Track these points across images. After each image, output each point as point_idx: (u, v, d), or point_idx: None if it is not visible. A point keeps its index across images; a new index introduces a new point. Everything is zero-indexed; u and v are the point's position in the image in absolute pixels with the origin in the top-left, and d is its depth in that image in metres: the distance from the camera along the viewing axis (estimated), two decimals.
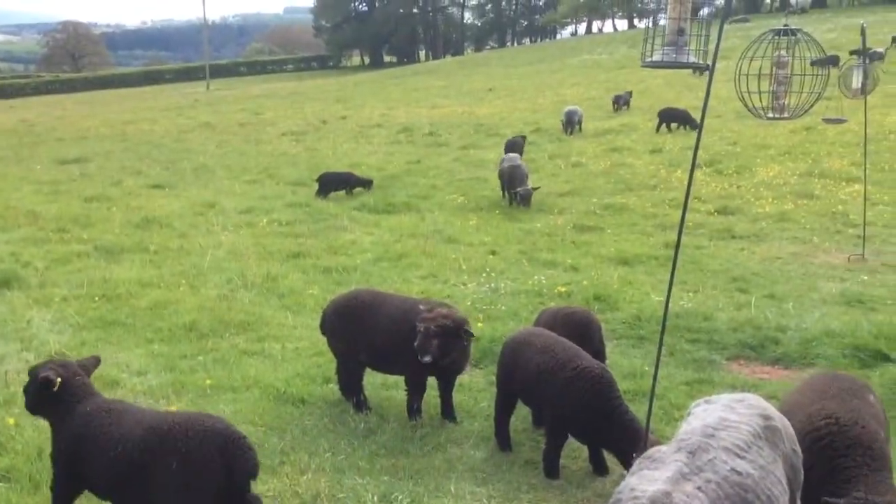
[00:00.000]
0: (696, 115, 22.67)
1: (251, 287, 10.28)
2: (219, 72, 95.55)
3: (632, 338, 8.50)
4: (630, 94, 30.16)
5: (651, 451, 3.68)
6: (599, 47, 61.75)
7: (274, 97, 50.98)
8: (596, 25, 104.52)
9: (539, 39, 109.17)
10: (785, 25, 4.58)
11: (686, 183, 4.69)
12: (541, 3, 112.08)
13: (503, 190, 16.10)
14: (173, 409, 6.68)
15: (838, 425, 4.26)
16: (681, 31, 4.34)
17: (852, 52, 32.08)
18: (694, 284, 10.39)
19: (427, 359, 5.96)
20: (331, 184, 17.16)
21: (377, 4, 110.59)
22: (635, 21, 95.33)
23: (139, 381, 7.40)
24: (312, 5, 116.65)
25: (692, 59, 4.42)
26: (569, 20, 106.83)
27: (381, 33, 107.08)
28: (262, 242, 12.83)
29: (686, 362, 7.75)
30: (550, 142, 23.95)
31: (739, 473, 3.46)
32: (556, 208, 15.34)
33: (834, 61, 29.04)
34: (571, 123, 24.87)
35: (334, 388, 6.98)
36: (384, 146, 25.30)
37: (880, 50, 35.62)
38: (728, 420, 3.73)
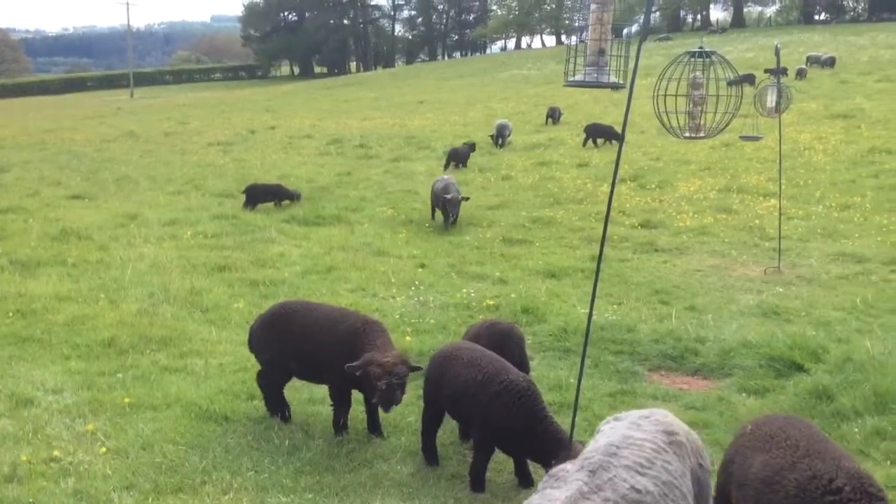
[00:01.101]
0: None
1: (174, 301, 10.03)
2: (143, 80, 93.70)
3: (558, 350, 8.61)
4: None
5: (556, 470, 3.73)
6: (528, 62, 62.71)
7: (201, 106, 50.07)
8: (525, 41, 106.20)
9: (469, 53, 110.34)
10: (700, 48, 4.75)
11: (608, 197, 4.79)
12: (471, 18, 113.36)
13: (434, 211, 15.42)
14: (89, 427, 6.50)
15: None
16: (601, 52, 4.45)
17: (766, 71, 34.36)
18: (618, 297, 10.60)
19: (393, 408, 5.98)
20: (258, 196, 16.90)
21: (307, 15, 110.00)
22: (563, 38, 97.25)
23: (55, 399, 7.14)
24: (240, 14, 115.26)
25: (613, 79, 4.54)
26: (498, 35, 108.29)
27: (312, 43, 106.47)
28: (185, 255, 12.53)
29: (610, 374, 7.89)
30: (481, 155, 24.09)
31: (639, 491, 3.52)
32: (485, 221, 15.44)
33: (750, 79, 30.77)
34: (502, 136, 25.17)
35: (259, 404, 6.87)
36: (314, 157, 25.08)
37: (804, 67, 37.89)
38: (632, 437, 3.81)
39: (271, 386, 6.71)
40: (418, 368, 6.11)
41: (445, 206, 14.65)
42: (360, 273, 11.63)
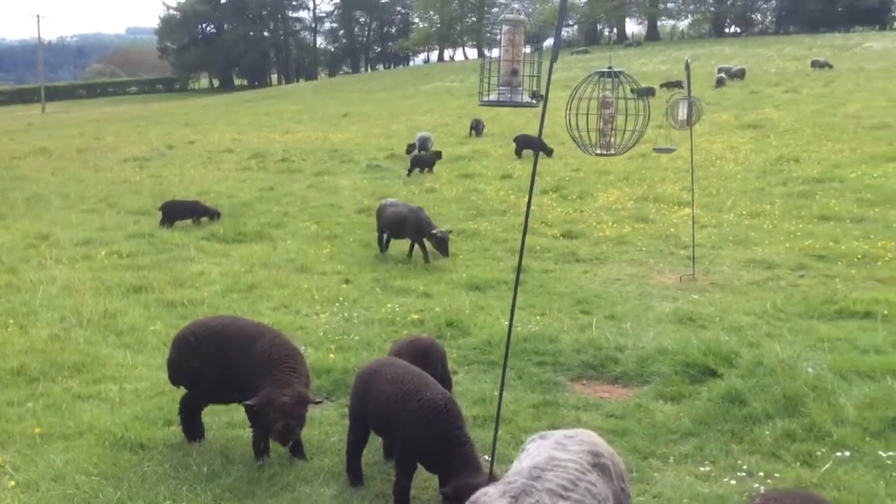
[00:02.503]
0: (549, 142, 23.62)
1: (87, 325, 9.69)
2: (55, 94, 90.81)
3: (483, 363, 8.64)
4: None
5: (478, 495, 3.73)
6: (451, 75, 63.27)
7: (116, 121, 48.73)
8: (447, 53, 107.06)
9: (393, 66, 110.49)
10: (609, 67, 4.87)
11: (533, 208, 4.86)
12: (393, 31, 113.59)
13: (382, 238, 14.00)
14: None
15: None
16: (514, 72, 4.52)
17: (662, 85, 37.09)
18: (541, 308, 10.72)
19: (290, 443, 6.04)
20: (176, 213, 16.51)
21: (226, 27, 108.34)
22: (485, 50, 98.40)
23: None
24: (157, 26, 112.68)
25: (526, 98, 4.62)
26: (421, 48, 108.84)
27: (231, 56, 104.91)
28: (100, 276, 12.14)
29: (533, 385, 7.96)
30: (405, 168, 24.18)
31: None
32: None
33: (651, 92, 32.95)
34: (425, 149, 25.30)
35: (176, 430, 6.68)
36: (235, 172, 24.69)
37: (723, 76, 40.32)
38: (557, 459, 3.82)
39: (190, 407, 6.56)
40: (319, 402, 6.16)
41: (437, 245, 13.29)
42: (283, 290, 11.47)
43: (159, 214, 16.55)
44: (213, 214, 16.89)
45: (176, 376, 6.64)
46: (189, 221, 16.63)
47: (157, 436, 6.70)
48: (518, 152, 24.63)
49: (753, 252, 13.32)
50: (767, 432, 6.53)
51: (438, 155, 23.57)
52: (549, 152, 23.74)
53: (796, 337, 8.98)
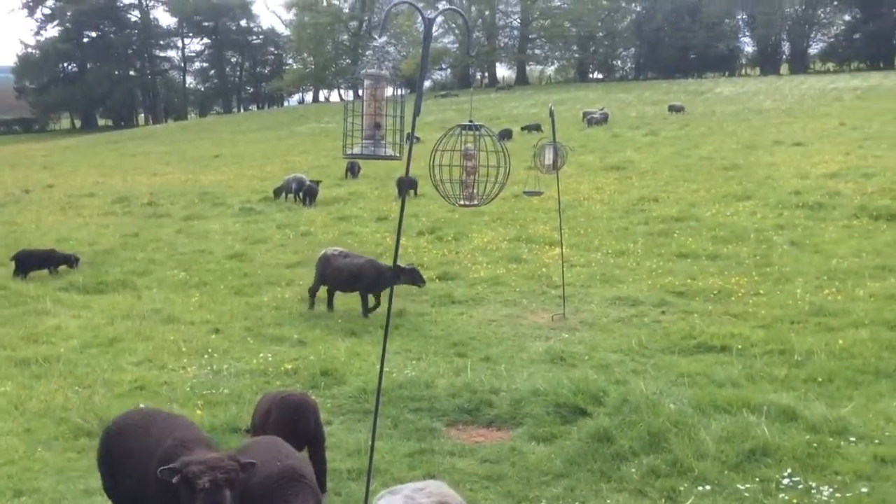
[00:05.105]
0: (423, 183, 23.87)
1: None
2: None
3: (358, 412, 8.53)
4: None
5: None
6: (327, 116, 63.06)
7: None
8: (322, 94, 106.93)
9: (267, 106, 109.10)
10: (470, 121, 5.00)
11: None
12: (266, 71, 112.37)
13: (329, 292, 12.99)
14: None
15: None
16: (377, 126, 4.56)
17: (523, 128, 39.59)
18: (417, 352, 10.71)
19: None
20: (30, 262, 15.57)
21: (89, 66, 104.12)
22: (360, 92, 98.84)
23: None
24: (13, 65, 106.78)
25: (389, 151, 4.66)
26: (295, 89, 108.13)
27: (95, 95, 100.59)
28: None
29: (409, 432, 7.91)
30: (279, 211, 23.86)
31: None
32: (283, 280, 15.16)
33: (508, 134, 35.79)
34: (302, 189, 24.98)
35: (27, 500, 6.21)
36: (97, 218, 23.60)
37: (595, 115, 43.02)
38: None
39: None
40: (252, 465, 4.86)
41: (410, 280, 12.50)
42: (147, 343, 10.97)
43: (12, 265, 15.57)
44: (72, 261, 16.02)
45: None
46: (45, 271, 15.71)
47: None
48: (400, 193, 24.77)
49: (619, 290, 13.82)
50: (634, 470, 6.72)
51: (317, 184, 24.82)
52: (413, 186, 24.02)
53: (659, 373, 9.36)
